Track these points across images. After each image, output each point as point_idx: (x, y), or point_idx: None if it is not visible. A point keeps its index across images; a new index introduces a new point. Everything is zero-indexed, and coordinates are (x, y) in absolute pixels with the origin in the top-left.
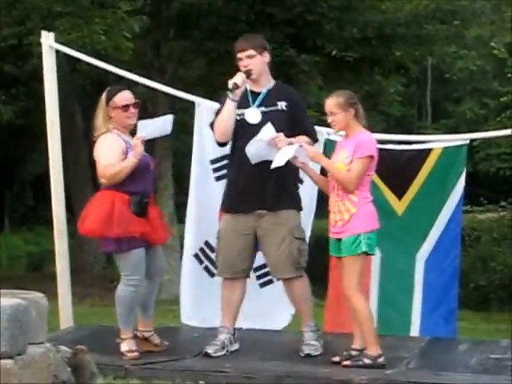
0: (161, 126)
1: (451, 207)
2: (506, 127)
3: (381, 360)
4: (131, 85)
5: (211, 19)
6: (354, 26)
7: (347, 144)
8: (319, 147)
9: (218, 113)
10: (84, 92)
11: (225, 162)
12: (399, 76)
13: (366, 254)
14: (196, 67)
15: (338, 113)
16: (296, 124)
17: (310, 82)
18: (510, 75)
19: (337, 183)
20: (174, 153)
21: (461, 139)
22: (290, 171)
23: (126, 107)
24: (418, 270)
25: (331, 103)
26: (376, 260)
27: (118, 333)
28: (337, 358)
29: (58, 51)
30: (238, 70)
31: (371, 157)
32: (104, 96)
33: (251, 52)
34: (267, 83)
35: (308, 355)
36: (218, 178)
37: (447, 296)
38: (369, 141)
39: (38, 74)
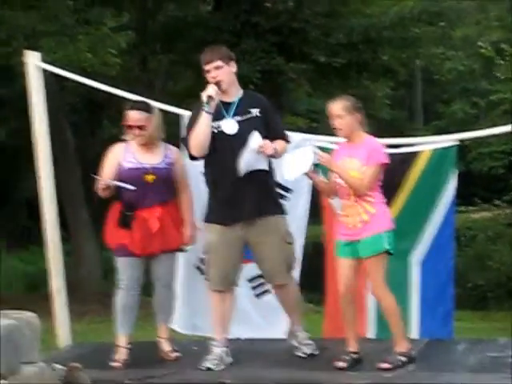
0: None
1: (443, 209)
2: (496, 125)
3: (413, 353)
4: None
5: (197, 31)
6: (339, 32)
7: (356, 151)
8: (310, 155)
9: (189, 127)
10: (74, 109)
11: None
12: (387, 80)
13: (388, 252)
14: (184, 80)
15: (345, 116)
16: (271, 129)
17: (299, 90)
18: (498, 74)
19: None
20: None
21: (450, 140)
22: (270, 177)
23: (129, 127)
24: (414, 273)
25: (338, 106)
26: None
27: None
28: (340, 363)
29: (45, 70)
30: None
31: (385, 164)
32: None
33: (218, 63)
34: (237, 92)
35: (312, 355)
36: None
37: (443, 297)
38: (381, 147)
39: (26, 94)
